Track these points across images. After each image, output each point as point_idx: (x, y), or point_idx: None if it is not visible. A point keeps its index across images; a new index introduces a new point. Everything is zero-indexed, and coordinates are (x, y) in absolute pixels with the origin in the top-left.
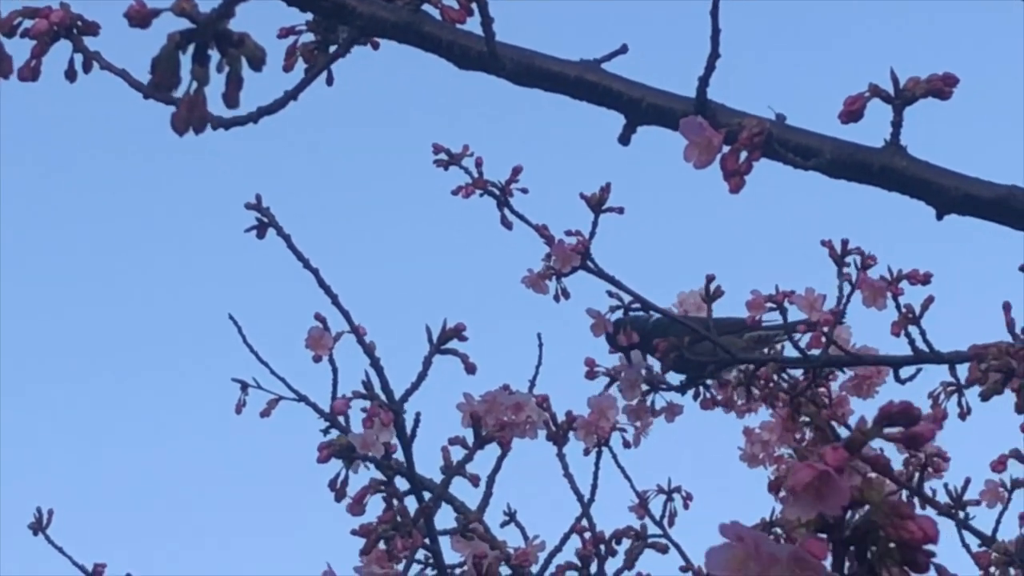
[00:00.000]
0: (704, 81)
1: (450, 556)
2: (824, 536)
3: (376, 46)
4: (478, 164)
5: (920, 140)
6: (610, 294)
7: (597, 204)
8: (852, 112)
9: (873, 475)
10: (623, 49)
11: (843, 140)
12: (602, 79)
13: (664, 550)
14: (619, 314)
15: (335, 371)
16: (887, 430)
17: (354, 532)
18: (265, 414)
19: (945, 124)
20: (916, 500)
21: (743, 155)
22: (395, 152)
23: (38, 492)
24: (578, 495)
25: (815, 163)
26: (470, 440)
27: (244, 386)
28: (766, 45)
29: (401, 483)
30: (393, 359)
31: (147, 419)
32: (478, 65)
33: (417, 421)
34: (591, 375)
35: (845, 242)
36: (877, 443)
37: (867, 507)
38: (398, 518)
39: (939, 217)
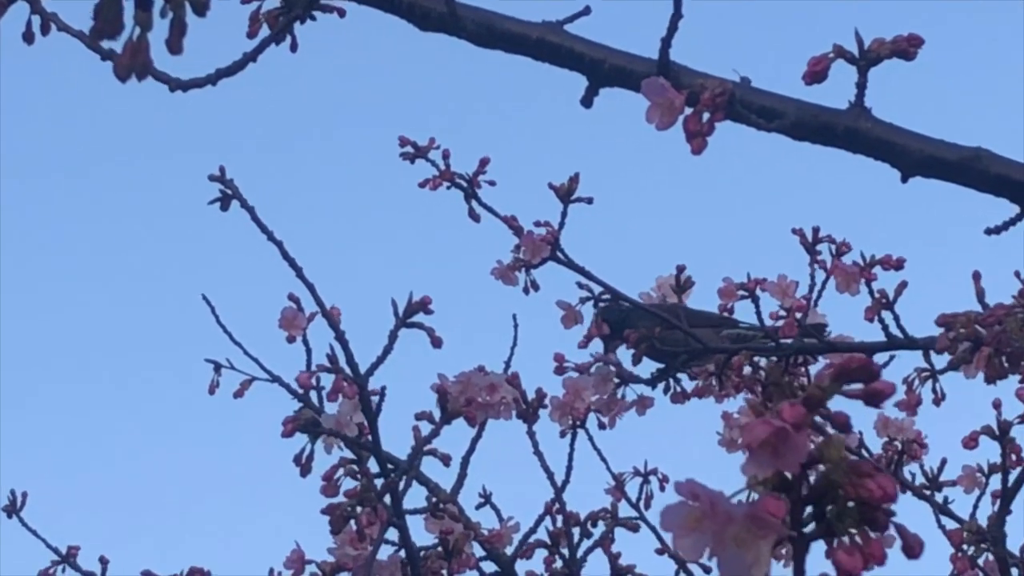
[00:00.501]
0: (666, 42)
1: (424, 538)
2: (781, 495)
3: (343, 13)
4: (445, 156)
5: (884, 102)
6: (580, 285)
7: (566, 194)
8: (816, 73)
9: (832, 432)
10: (586, 11)
11: (807, 102)
12: (564, 40)
13: (635, 528)
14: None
15: (309, 351)
16: (847, 386)
17: (324, 511)
18: (238, 395)
19: (909, 86)
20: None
21: (705, 116)
22: (364, 125)
23: (11, 475)
24: (549, 474)
25: (778, 125)
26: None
27: (217, 367)
28: (728, 6)
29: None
30: (361, 338)
31: (119, 400)
32: (439, 26)
33: (382, 395)
34: (560, 370)
35: (816, 229)
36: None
37: (825, 465)
38: (366, 494)
39: (904, 179)
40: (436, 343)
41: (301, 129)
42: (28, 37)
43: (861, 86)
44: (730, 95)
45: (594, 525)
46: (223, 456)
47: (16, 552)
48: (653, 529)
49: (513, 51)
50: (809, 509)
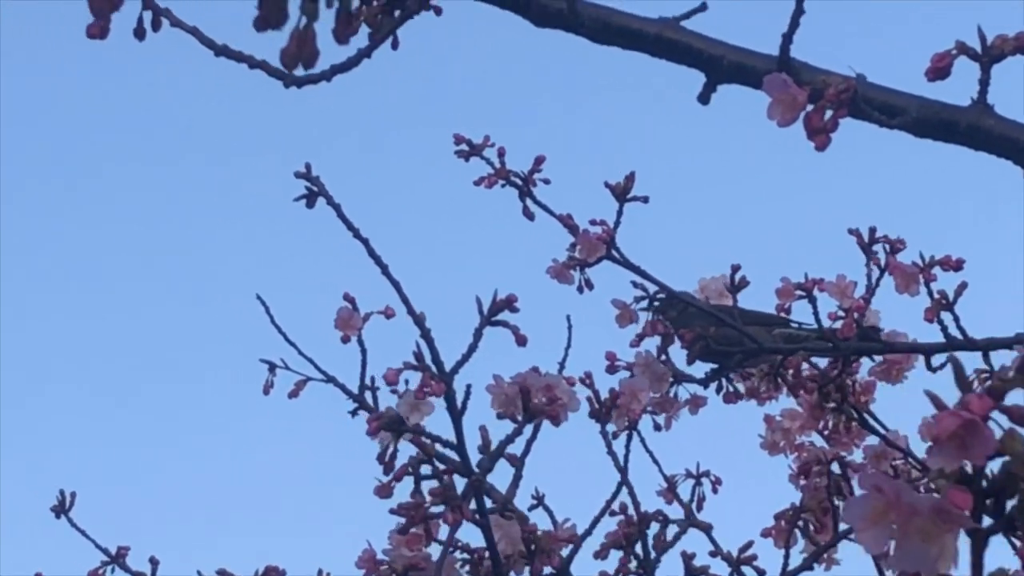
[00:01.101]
0: (787, 38)
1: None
2: (966, 487)
3: (439, 11)
4: (500, 154)
5: (1007, 100)
6: (635, 284)
7: (622, 193)
8: (939, 69)
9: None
10: (702, 7)
11: (928, 98)
12: (682, 36)
13: (708, 529)
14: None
15: (364, 352)
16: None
17: (393, 511)
18: (293, 395)
19: None
20: None
21: (828, 112)
22: (416, 125)
23: (61, 475)
24: (623, 474)
25: (900, 121)
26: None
27: (272, 367)
28: (843, 3)
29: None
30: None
31: (173, 400)
32: (556, 22)
33: (468, 394)
34: (612, 369)
35: (872, 229)
36: None
37: (1007, 458)
38: (449, 493)
39: None
40: (521, 341)
41: (370, 127)
42: (139, 33)
43: (984, 83)
44: (854, 92)
45: (647, 526)
46: (277, 456)
47: (65, 553)
48: (706, 531)
49: (630, 47)
50: (989, 503)
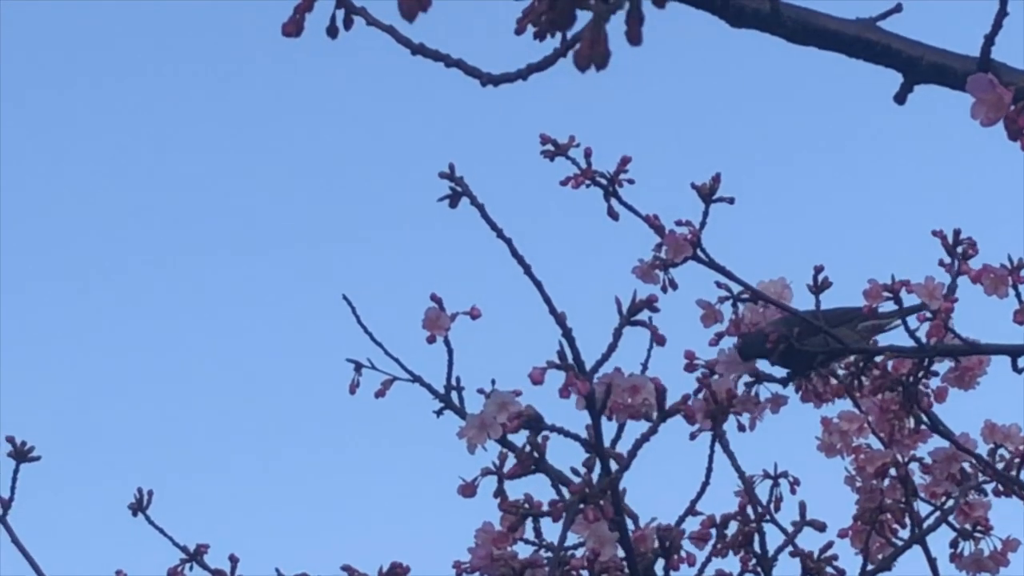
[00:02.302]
0: (990, 40)
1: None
2: None
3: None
4: (587, 155)
5: None
6: (719, 284)
7: (708, 194)
8: None
9: None
10: (897, 8)
11: None
12: (881, 37)
13: (823, 528)
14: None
15: (450, 352)
16: None
17: (503, 508)
18: (380, 395)
19: None
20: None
21: None
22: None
23: (140, 472)
24: (740, 473)
25: None
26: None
27: (358, 366)
28: None
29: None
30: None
31: (258, 398)
32: (755, 23)
33: (607, 393)
34: (691, 368)
35: (957, 231)
36: None
37: None
38: (589, 491)
39: None
40: (660, 341)
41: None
42: (332, 31)
43: None
44: None
45: (726, 527)
46: (362, 455)
47: (143, 550)
48: (785, 532)
49: (828, 48)
50: None
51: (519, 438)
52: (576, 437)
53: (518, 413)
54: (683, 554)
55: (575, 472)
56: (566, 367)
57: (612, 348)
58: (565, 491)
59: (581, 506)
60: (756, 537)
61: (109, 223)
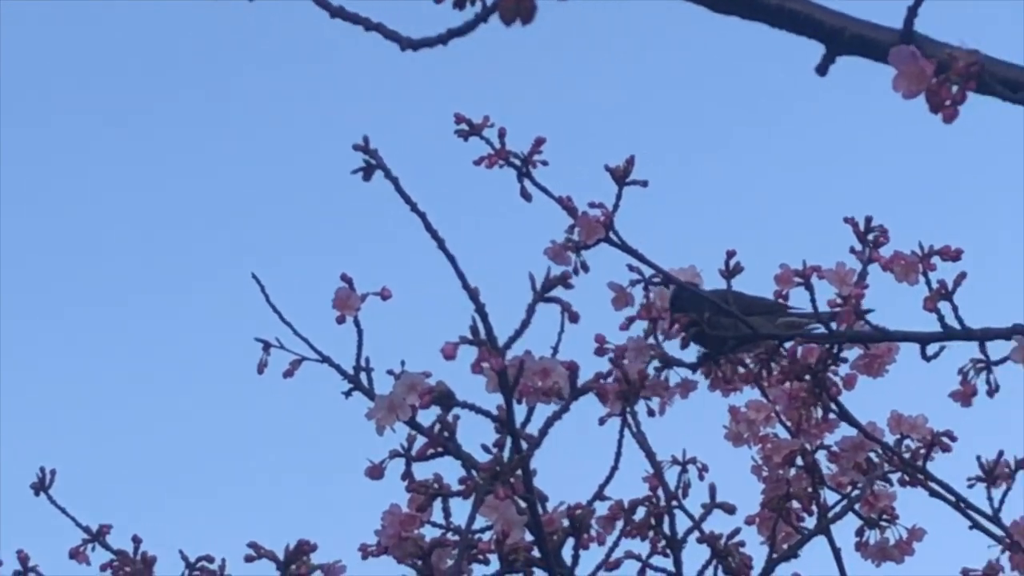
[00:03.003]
0: (913, 11)
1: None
2: None
3: None
4: (500, 135)
5: None
6: (631, 267)
7: (621, 176)
8: None
9: None
10: None
11: None
12: (804, 7)
13: (732, 511)
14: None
15: (360, 332)
16: None
17: (411, 489)
18: (288, 375)
19: None
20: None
21: (954, 86)
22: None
23: (42, 452)
24: (650, 456)
25: (1022, 97)
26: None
27: (266, 346)
28: None
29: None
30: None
31: (163, 376)
32: None
33: (520, 370)
34: (601, 352)
35: (869, 219)
36: None
37: None
38: (500, 469)
39: None
40: (573, 318)
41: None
42: None
43: None
44: (982, 66)
45: (633, 512)
46: (269, 435)
47: (45, 531)
48: (692, 518)
49: (750, 17)
50: None
51: (429, 418)
52: (487, 414)
53: (429, 389)
54: (592, 533)
55: (486, 450)
56: (479, 342)
57: (525, 324)
58: (476, 474)
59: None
60: (666, 520)
61: None
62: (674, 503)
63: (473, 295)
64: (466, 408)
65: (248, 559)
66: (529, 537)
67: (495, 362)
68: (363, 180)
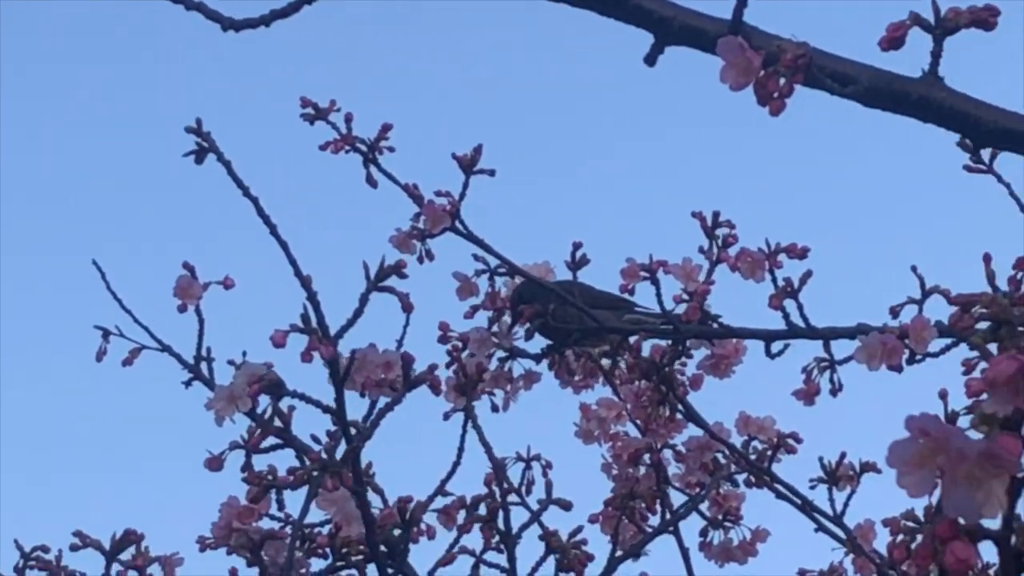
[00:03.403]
0: (742, 2)
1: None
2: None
3: None
4: (347, 120)
5: (960, 73)
6: (476, 257)
7: (469, 165)
8: (894, 39)
9: None
10: None
11: (880, 68)
12: None
13: (568, 507)
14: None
15: (201, 322)
16: None
17: (246, 480)
18: (127, 363)
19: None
20: (766, 480)
21: (782, 79)
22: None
23: None
24: (488, 449)
25: (852, 90)
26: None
27: (106, 333)
28: None
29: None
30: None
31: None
32: None
33: (352, 359)
34: (444, 339)
35: (716, 214)
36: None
37: None
38: (330, 461)
39: (975, 150)
40: (407, 308)
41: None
42: None
43: (936, 55)
44: (809, 58)
45: (476, 508)
46: (109, 425)
47: None
48: (534, 514)
49: (579, 5)
50: None
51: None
52: (318, 404)
53: (258, 377)
54: (423, 527)
55: (316, 440)
56: (310, 330)
57: (358, 313)
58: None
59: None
60: (500, 515)
61: None
62: (511, 498)
63: (305, 283)
64: (297, 398)
65: (73, 548)
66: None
67: (325, 350)
68: (195, 163)
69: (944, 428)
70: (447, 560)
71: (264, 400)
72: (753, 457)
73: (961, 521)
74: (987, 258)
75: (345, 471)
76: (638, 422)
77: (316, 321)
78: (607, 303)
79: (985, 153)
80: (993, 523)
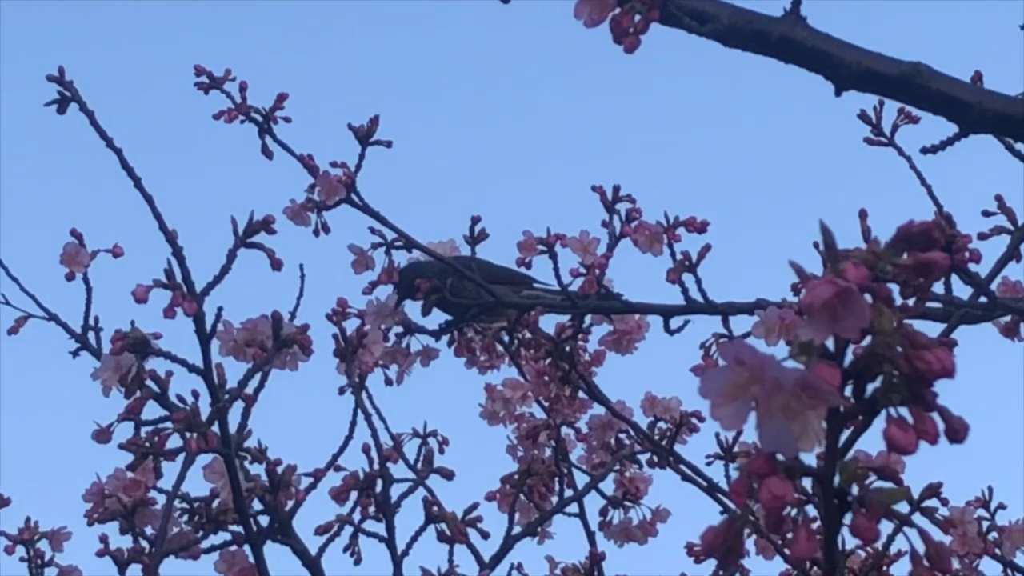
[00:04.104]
0: None
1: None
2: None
3: None
4: (242, 89)
5: (821, 13)
6: (373, 230)
7: (365, 136)
8: None
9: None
10: None
11: (741, 7)
12: None
13: (450, 476)
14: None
15: (89, 290)
16: (900, 256)
17: (122, 446)
18: (12, 332)
19: None
20: (670, 460)
21: (637, 15)
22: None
23: None
24: (367, 416)
25: (711, 29)
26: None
27: None
28: None
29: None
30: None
31: None
32: None
33: (218, 316)
34: (342, 316)
35: (617, 188)
36: None
37: (876, 336)
38: (194, 420)
39: (838, 92)
40: (276, 265)
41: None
42: None
43: None
44: None
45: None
46: None
47: None
48: (430, 491)
49: None
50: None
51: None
52: (184, 363)
53: (122, 335)
54: (292, 491)
55: (181, 400)
56: (173, 286)
57: (225, 270)
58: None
59: (187, 435)
60: (379, 483)
61: None
62: (388, 463)
63: (171, 238)
64: (164, 357)
65: None
66: None
67: (188, 307)
68: (57, 113)
69: (759, 356)
70: (324, 528)
71: (128, 358)
72: (656, 437)
73: (780, 457)
74: (863, 214)
75: (210, 431)
76: (542, 401)
77: (182, 277)
78: (505, 278)
79: (887, 124)
80: (813, 460)
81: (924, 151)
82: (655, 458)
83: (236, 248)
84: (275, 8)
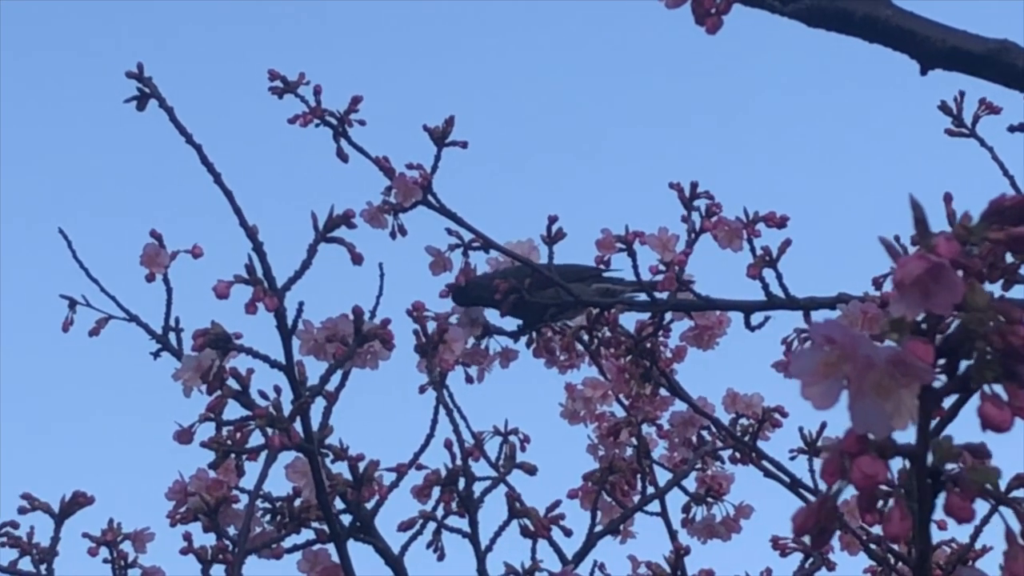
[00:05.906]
0: None
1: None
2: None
3: None
4: (316, 92)
5: None
6: (450, 231)
7: (440, 137)
8: None
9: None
10: None
11: None
12: None
13: (533, 471)
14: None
15: (169, 291)
16: (994, 230)
17: (204, 444)
18: (94, 333)
19: None
20: (752, 456)
21: None
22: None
23: None
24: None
25: (793, 8)
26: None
27: (72, 303)
28: None
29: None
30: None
31: None
32: None
33: (299, 312)
34: (420, 319)
35: (695, 184)
36: None
37: (969, 312)
38: (277, 416)
39: (923, 72)
40: (356, 259)
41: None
42: None
43: None
44: None
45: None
46: (75, 394)
47: None
48: (511, 488)
49: None
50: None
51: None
52: (265, 358)
53: (203, 332)
54: (375, 487)
55: (263, 396)
56: (255, 281)
57: (306, 265)
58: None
59: (269, 431)
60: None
61: None
62: (471, 459)
63: (251, 233)
64: (245, 352)
65: (22, 511)
66: None
67: (269, 302)
68: (137, 110)
69: (851, 335)
70: (407, 525)
71: (209, 355)
72: (739, 433)
73: (871, 437)
74: (947, 197)
75: (292, 428)
76: (623, 399)
77: (262, 272)
78: (576, 275)
79: (967, 115)
80: (907, 439)
81: (1011, 129)
82: (737, 454)
83: (317, 242)
84: (349, 9)
